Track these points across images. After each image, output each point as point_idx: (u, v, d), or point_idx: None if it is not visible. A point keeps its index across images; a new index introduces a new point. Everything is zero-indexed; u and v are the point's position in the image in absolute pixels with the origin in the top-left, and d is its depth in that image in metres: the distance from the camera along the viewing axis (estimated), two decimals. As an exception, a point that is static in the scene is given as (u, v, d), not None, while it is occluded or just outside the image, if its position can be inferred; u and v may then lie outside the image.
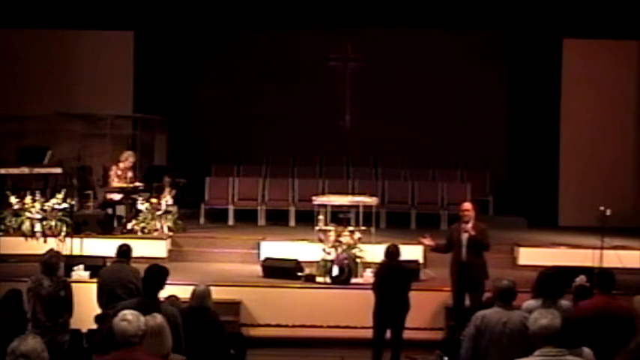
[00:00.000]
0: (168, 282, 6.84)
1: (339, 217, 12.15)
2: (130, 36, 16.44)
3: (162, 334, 5.48)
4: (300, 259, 11.92)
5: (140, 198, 13.25)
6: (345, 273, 11.28)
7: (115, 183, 13.41)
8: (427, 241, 10.59)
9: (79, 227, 12.67)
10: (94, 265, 10.87)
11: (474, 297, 9.81)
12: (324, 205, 12.59)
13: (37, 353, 4.39)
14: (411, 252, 11.78)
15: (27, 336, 4.53)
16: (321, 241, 11.66)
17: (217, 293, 9.09)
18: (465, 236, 9.99)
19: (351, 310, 10.73)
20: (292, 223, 15.22)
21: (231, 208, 15.44)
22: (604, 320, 6.70)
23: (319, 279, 11.36)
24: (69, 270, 10.66)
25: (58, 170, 14.30)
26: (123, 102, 16.28)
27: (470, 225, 10.01)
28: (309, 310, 10.96)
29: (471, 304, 9.75)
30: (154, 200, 13.16)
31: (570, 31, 16.31)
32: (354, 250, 11.44)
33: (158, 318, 5.51)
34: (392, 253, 9.76)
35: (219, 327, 7.51)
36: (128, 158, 13.54)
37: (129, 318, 5.09)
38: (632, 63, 16.57)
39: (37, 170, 14.04)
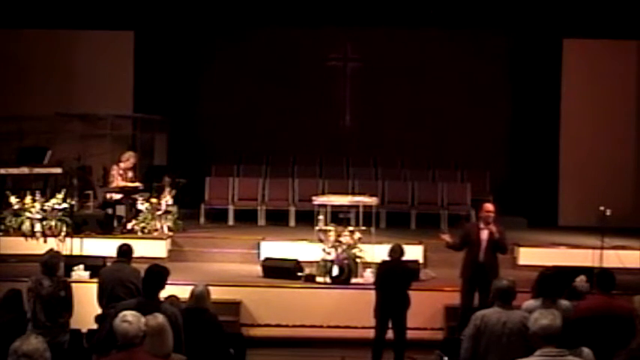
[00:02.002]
0: (168, 282, 6.84)
1: (339, 217, 12.14)
2: (130, 36, 16.44)
3: (163, 334, 5.48)
4: (300, 259, 11.93)
5: (140, 198, 13.25)
6: (345, 273, 11.28)
7: (117, 182, 13.41)
8: (446, 237, 10.57)
9: (79, 227, 12.67)
10: (94, 265, 10.88)
11: (484, 297, 9.77)
12: (324, 205, 12.59)
13: (39, 353, 4.38)
14: (411, 252, 11.75)
15: (29, 336, 4.52)
16: (321, 241, 11.66)
17: (217, 293, 9.10)
18: (484, 237, 9.98)
19: (351, 310, 10.74)
20: (292, 223, 15.21)
21: (231, 208, 15.43)
22: (604, 320, 6.70)
23: (319, 279, 11.36)
24: (69, 270, 10.66)
25: (58, 170, 14.29)
26: (123, 102, 16.27)
27: (493, 226, 10.03)
28: (309, 310, 10.97)
29: (480, 304, 9.72)
30: (154, 200, 13.16)
31: (570, 31, 16.31)
32: (354, 250, 11.44)
33: (159, 318, 5.51)
34: (396, 251, 9.80)
35: (219, 328, 7.51)
36: (129, 159, 13.53)
37: (129, 319, 5.08)
38: (632, 63, 16.57)
39: (37, 170, 14.03)
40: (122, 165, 13.47)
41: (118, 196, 13.44)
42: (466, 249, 10.20)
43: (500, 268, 10.06)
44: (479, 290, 9.94)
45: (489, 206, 10.30)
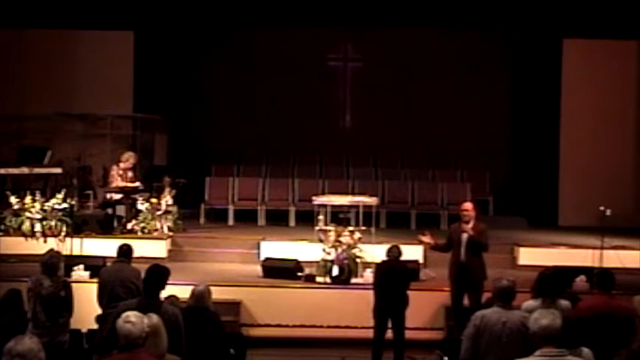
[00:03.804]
0: (168, 282, 6.83)
1: (339, 217, 12.13)
2: (130, 36, 16.44)
3: (157, 335, 5.45)
4: (300, 259, 11.93)
5: (140, 198, 13.25)
6: (345, 273, 11.28)
7: (117, 182, 13.41)
8: (427, 239, 10.57)
9: (79, 227, 12.67)
10: (94, 265, 10.88)
11: (473, 297, 9.81)
12: (324, 205, 12.58)
13: (33, 353, 4.37)
14: (411, 252, 11.77)
15: (24, 336, 4.51)
16: (321, 241, 11.66)
17: (217, 293, 9.09)
18: (464, 236, 9.98)
19: (351, 310, 10.74)
20: (292, 223, 15.22)
21: (231, 208, 15.44)
22: (604, 320, 6.70)
23: (319, 279, 11.36)
24: (69, 270, 10.66)
25: (58, 170, 14.31)
26: (123, 102, 16.27)
27: (470, 225, 10.01)
28: (309, 310, 10.97)
29: (470, 304, 9.76)
30: (154, 200, 13.16)
31: (570, 31, 16.31)
32: (354, 250, 11.43)
33: (154, 318, 5.49)
34: (393, 252, 9.83)
35: (219, 327, 7.51)
36: (129, 159, 13.53)
37: (133, 320, 5.07)
38: (632, 63, 16.57)
39: (37, 170, 14.05)
40: (122, 165, 13.46)
41: (118, 196, 13.43)
42: (451, 250, 10.22)
43: (487, 267, 10.03)
44: (467, 290, 9.96)
45: (466, 205, 10.30)
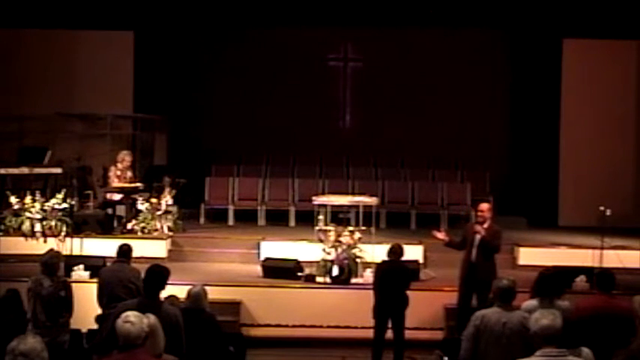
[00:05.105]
0: (168, 282, 6.83)
1: (339, 217, 12.15)
2: (130, 36, 16.43)
3: (154, 335, 5.43)
4: (300, 259, 11.93)
5: (140, 198, 13.25)
6: (345, 273, 11.28)
7: (115, 183, 13.42)
8: (441, 236, 10.54)
9: (79, 227, 12.67)
10: (94, 265, 10.88)
11: (481, 297, 9.78)
12: (324, 205, 12.59)
13: (36, 352, 4.37)
14: (411, 252, 11.76)
15: (26, 335, 4.52)
16: (321, 241, 11.66)
17: (217, 293, 9.13)
18: (477, 237, 9.99)
19: (351, 310, 10.74)
20: (292, 223, 15.21)
21: (231, 208, 15.43)
22: (604, 320, 6.70)
23: (319, 279, 11.36)
24: (69, 270, 10.68)
25: (58, 170, 14.31)
26: (123, 102, 16.26)
27: (485, 226, 10.03)
28: (309, 310, 10.97)
29: (478, 304, 9.74)
30: (154, 200, 13.16)
31: (570, 31, 16.31)
32: (354, 250, 11.44)
33: (151, 318, 5.47)
34: (395, 251, 9.82)
35: (216, 328, 7.50)
36: (125, 158, 13.55)
37: (132, 320, 5.07)
38: (632, 63, 16.56)
39: (37, 170, 14.05)
40: (120, 165, 13.48)
41: (117, 196, 13.44)
42: (465, 249, 10.23)
43: (498, 268, 10.03)
44: (476, 290, 9.96)
45: (482, 206, 10.30)
